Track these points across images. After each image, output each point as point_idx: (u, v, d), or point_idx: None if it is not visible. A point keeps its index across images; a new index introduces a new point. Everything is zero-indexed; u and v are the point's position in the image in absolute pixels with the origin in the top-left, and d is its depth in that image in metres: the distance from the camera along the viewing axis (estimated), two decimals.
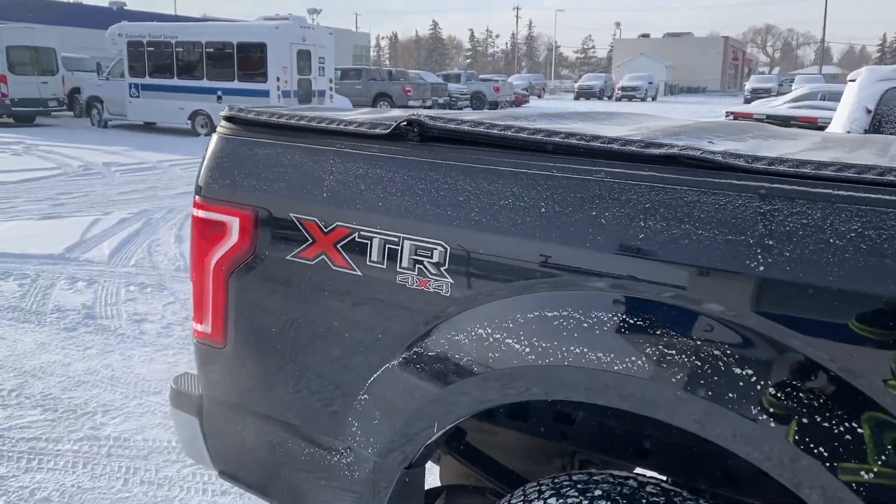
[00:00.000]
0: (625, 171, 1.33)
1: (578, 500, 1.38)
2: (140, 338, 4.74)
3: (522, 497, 1.47)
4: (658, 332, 1.25)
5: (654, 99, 52.34)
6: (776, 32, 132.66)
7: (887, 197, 1.12)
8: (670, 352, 1.23)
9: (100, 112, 21.08)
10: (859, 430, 1.10)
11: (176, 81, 19.51)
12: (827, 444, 1.11)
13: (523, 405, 1.87)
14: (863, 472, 1.09)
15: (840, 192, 1.15)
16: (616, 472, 1.49)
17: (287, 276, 1.67)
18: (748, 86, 45.55)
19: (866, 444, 1.09)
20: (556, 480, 1.48)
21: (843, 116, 6.53)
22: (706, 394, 1.19)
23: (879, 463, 1.08)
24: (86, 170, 12.51)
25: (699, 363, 1.21)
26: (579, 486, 1.43)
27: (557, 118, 2.01)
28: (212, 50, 19.33)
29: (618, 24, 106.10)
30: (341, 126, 1.61)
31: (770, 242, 1.18)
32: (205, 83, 19.23)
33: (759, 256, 1.18)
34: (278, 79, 18.72)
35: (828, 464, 1.11)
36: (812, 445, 1.12)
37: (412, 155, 1.54)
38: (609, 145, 1.35)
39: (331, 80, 20.49)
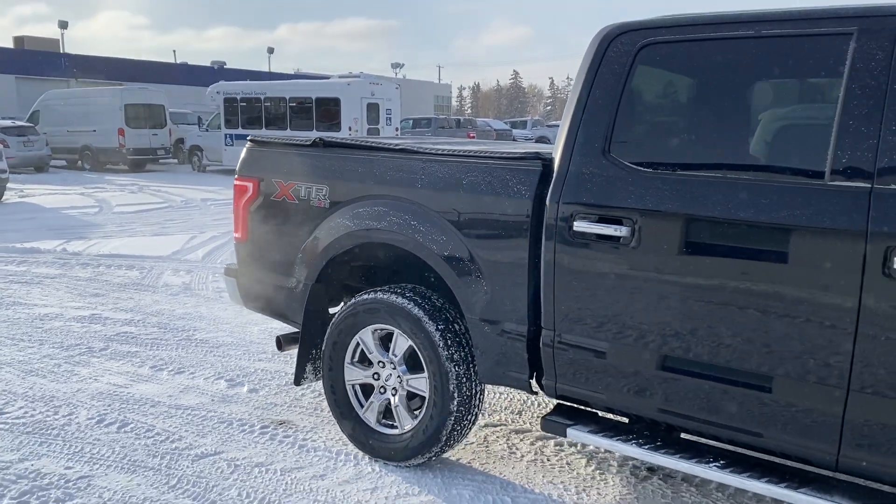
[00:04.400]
0: (388, 154, 3.50)
1: (393, 290, 3.50)
2: (219, 299, 7.06)
3: (372, 291, 3.59)
4: (398, 212, 3.38)
5: None
6: None
7: (453, 160, 3.25)
8: (405, 220, 3.36)
9: (200, 159, 24.40)
10: (465, 251, 3.21)
11: (264, 132, 22.45)
12: (449, 252, 3.23)
13: (386, 275, 4.00)
14: (458, 254, 3.21)
15: (442, 158, 3.29)
16: (412, 285, 3.60)
17: (270, 207, 3.88)
18: None
19: (453, 237, 3.21)
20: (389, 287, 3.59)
21: None
22: (411, 235, 3.32)
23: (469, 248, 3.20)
24: (187, 203, 15.31)
25: (414, 222, 3.33)
26: (391, 288, 3.53)
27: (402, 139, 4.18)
28: (294, 104, 22.31)
29: None
30: (291, 141, 3.85)
31: (423, 176, 3.32)
32: (288, 133, 22.10)
33: (419, 181, 3.32)
34: (350, 128, 21.44)
35: (446, 256, 3.23)
36: (447, 252, 3.24)
37: (319, 153, 3.75)
38: (382, 144, 3.53)
39: (396, 129, 23.11)
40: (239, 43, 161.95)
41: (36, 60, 42.56)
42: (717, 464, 2.67)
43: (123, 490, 3.28)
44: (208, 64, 54.34)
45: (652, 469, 3.55)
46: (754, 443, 2.64)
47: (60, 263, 8.77)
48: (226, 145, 23.07)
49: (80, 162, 25.23)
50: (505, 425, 4.09)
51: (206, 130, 24.33)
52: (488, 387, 4.53)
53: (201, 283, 7.82)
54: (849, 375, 2.38)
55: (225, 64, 54.59)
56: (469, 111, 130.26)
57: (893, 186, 2.31)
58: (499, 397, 4.49)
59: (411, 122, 32.93)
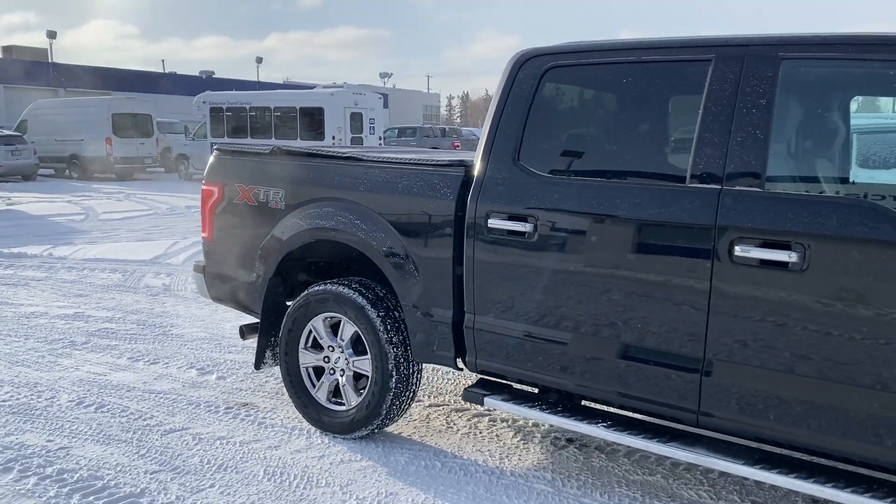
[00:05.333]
0: (336, 162, 3.95)
1: (341, 282, 3.94)
2: (197, 300, 7.46)
3: (324, 283, 4.03)
4: (344, 213, 3.83)
5: None
6: None
7: (390, 167, 3.71)
8: (350, 219, 3.81)
9: (186, 167, 24.79)
10: (393, 240, 3.67)
11: (249, 140, 22.89)
12: (387, 247, 3.68)
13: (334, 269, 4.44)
14: (393, 247, 3.66)
15: (381, 165, 3.75)
16: (358, 278, 4.05)
17: (233, 209, 4.33)
18: None
19: (391, 234, 3.66)
20: (335, 280, 4.03)
21: None
22: (355, 232, 3.77)
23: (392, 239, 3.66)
24: (171, 211, 15.71)
25: (358, 221, 3.78)
26: (340, 280, 3.98)
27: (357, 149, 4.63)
28: (279, 114, 22.77)
29: None
30: (252, 149, 4.30)
31: (365, 181, 3.77)
32: (273, 141, 22.52)
33: (362, 185, 3.77)
34: (333, 137, 21.91)
35: (385, 251, 3.68)
36: (386, 247, 3.69)
37: (276, 160, 4.20)
38: (331, 153, 3.99)
39: (380, 138, 23.59)
40: (228, 52, 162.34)
41: (24, 70, 42.79)
42: (604, 424, 3.13)
43: (98, 458, 3.70)
44: (197, 73, 54.68)
45: (571, 440, 4.00)
46: (636, 406, 3.10)
47: (46, 267, 9.16)
48: (212, 154, 23.44)
49: (67, 171, 25.56)
50: (447, 405, 4.53)
51: (193, 139, 24.72)
52: (442, 373, 4.99)
53: (180, 285, 8.23)
54: (704, 345, 2.84)
55: (213, 73, 54.94)
56: (458, 120, 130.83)
57: (737, 188, 2.78)
58: (445, 382, 4.93)
59: (396, 131, 33.44)
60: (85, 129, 24.76)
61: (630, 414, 3.21)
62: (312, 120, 22.12)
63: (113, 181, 24.47)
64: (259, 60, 64.25)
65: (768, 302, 2.69)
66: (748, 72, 2.83)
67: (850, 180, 3.97)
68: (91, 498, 3.29)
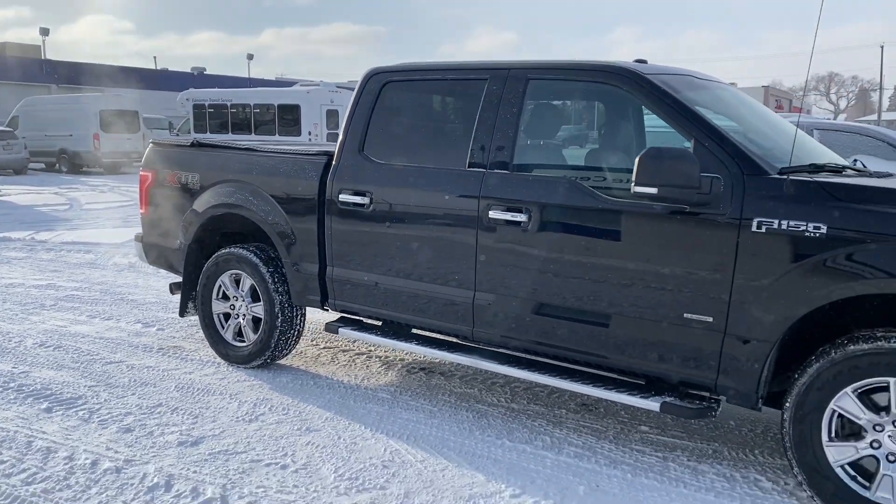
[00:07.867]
0: (237, 152, 5.09)
1: (242, 246, 5.07)
2: (157, 274, 8.59)
3: (228, 249, 5.16)
4: (242, 192, 4.96)
5: None
6: (839, 80, 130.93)
7: (275, 155, 4.84)
8: (245, 197, 4.94)
9: None
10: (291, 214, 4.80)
11: (229, 136, 24.03)
12: (272, 217, 4.81)
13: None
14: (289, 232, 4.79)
15: (268, 154, 4.88)
16: (256, 243, 5.17)
17: (161, 189, 5.45)
18: None
19: (275, 207, 4.79)
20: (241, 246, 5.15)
21: None
22: (249, 207, 4.89)
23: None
24: None
25: (252, 198, 4.91)
26: (241, 245, 5.10)
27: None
28: (258, 110, 23.88)
29: None
30: (176, 142, 5.43)
31: (258, 167, 4.90)
32: (252, 137, 23.63)
33: (255, 169, 4.90)
34: (310, 133, 23.02)
35: (270, 220, 4.81)
36: (271, 218, 4.82)
37: (193, 151, 5.33)
38: (233, 145, 5.12)
39: None
40: (223, 48, 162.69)
41: (17, 66, 43.77)
42: (416, 342, 4.28)
43: (51, 378, 4.84)
44: (188, 70, 55.63)
45: (423, 369, 5.14)
46: (439, 328, 4.24)
47: (28, 249, 10.28)
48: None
49: (57, 165, 26.63)
50: (337, 348, 5.67)
51: (177, 135, 25.80)
52: None
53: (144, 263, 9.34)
54: (475, 281, 3.97)
55: (205, 70, 55.85)
56: None
57: (495, 171, 3.91)
58: None
59: None
60: (73, 125, 25.83)
61: (438, 336, 4.35)
62: (289, 117, 23.23)
63: (100, 174, 25.57)
64: (250, 57, 65.20)
65: (510, 249, 3.83)
66: (508, 88, 3.96)
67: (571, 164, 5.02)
68: (41, 399, 4.43)
